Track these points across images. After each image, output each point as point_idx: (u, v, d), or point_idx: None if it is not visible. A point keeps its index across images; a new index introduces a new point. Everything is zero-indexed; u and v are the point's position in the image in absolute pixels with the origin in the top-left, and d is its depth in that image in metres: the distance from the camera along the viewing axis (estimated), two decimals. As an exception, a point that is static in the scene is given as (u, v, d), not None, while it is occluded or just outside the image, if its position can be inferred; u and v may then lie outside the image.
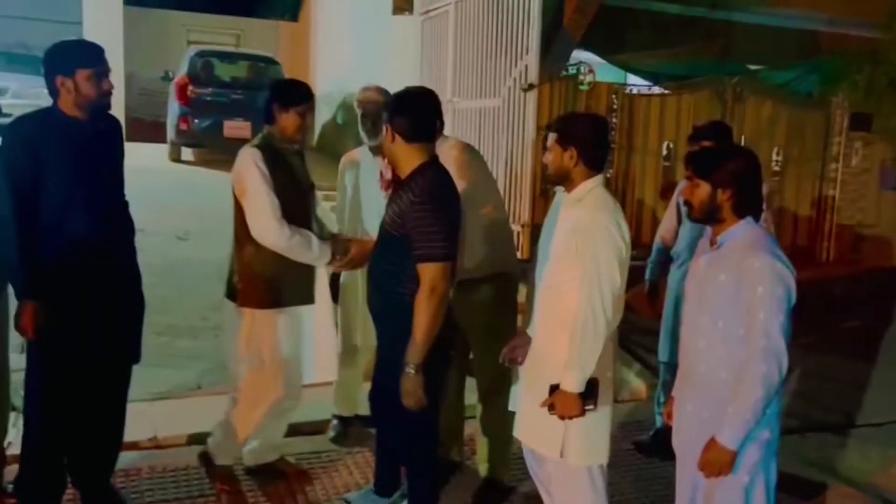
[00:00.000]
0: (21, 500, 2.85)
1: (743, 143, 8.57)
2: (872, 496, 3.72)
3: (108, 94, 2.79)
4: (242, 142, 5.55)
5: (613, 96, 8.32)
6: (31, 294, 2.66)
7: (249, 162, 3.01)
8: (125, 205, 2.98)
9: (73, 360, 2.74)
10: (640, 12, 11.87)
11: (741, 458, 2.26)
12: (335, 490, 3.36)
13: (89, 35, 12.10)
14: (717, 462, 2.24)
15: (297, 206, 3.07)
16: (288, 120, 3.09)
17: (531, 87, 5.21)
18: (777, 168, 8.82)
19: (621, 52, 12.47)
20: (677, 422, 2.47)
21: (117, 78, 11.63)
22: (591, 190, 2.57)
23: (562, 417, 2.48)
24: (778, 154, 8.81)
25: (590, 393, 2.48)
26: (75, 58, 2.73)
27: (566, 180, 2.60)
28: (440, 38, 6.64)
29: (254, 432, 3.22)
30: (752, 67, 12.56)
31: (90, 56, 2.75)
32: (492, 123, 5.70)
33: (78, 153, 2.73)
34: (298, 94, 3.15)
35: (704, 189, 2.32)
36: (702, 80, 8.93)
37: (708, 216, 2.34)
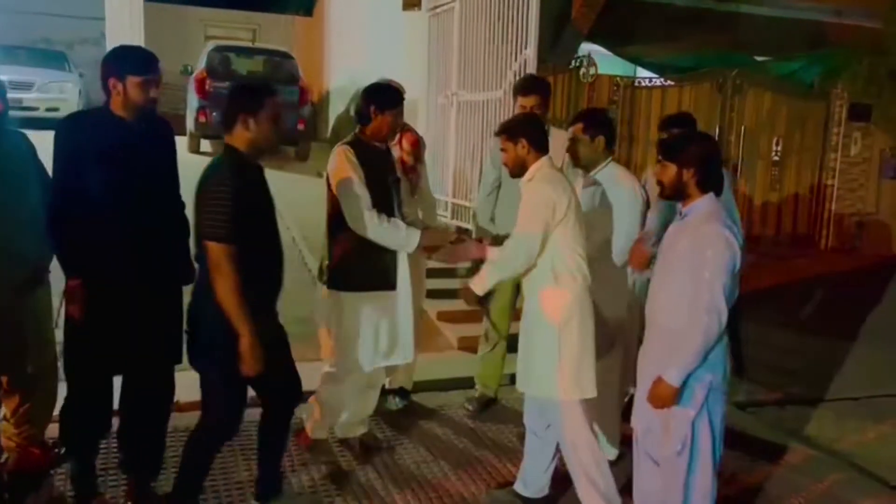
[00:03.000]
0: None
1: (743, 134, 8.82)
2: (842, 461, 3.97)
3: (154, 101, 2.90)
4: None
5: (615, 88, 8.59)
6: (73, 275, 2.84)
7: (343, 158, 3.26)
8: (178, 203, 3.11)
9: (106, 354, 2.88)
10: (648, 5, 11.98)
11: (688, 395, 2.58)
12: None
13: (111, 30, 12.37)
14: (662, 396, 2.59)
15: (384, 197, 3.32)
16: (384, 122, 3.35)
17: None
18: (776, 158, 9.04)
19: (630, 45, 12.63)
20: (640, 362, 2.79)
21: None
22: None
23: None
24: (777, 144, 9.03)
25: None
26: (128, 64, 2.86)
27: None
28: (446, 33, 6.91)
29: (342, 406, 3.55)
30: (759, 59, 12.70)
31: (142, 64, 2.87)
32: (494, 115, 5.96)
33: (124, 151, 2.84)
34: (394, 99, 3.40)
35: (672, 169, 2.64)
36: (702, 73, 9.16)
37: (676, 193, 2.67)
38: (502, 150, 3.11)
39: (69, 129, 2.91)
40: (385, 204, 3.34)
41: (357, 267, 3.34)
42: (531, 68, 5.53)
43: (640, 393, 2.75)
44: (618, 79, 8.91)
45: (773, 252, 8.71)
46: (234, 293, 2.64)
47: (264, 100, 2.81)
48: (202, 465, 2.93)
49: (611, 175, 3.43)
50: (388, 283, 3.41)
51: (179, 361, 3.09)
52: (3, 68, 10.91)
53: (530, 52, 5.58)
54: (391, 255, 3.40)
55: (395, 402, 4.20)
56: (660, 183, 2.71)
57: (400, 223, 3.33)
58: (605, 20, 11.15)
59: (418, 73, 7.43)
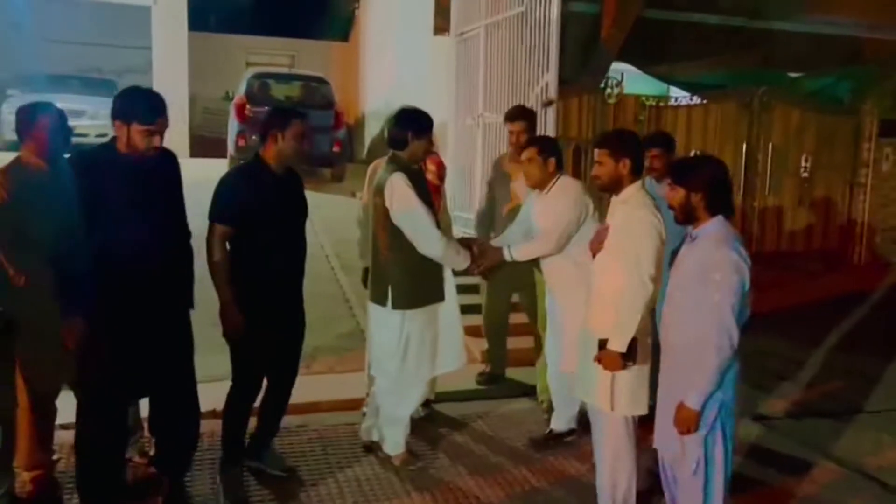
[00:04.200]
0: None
1: (770, 151, 8.87)
2: (859, 474, 4.01)
3: (155, 149, 2.96)
4: None
5: (640, 108, 8.73)
6: (76, 310, 2.90)
7: (402, 185, 3.46)
8: (184, 233, 3.21)
9: (121, 379, 2.99)
10: (679, 24, 12.05)
11: (702, 415, 2.71)
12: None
13: (158, 58, 13.06)
14: (686, 420, 2.71)
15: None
16: (420, 146, 3.58)
17: (550, 102, 5.68)
18: (805, 174, 9.06)
19: (661, 64, 12.70)
20: (661, 385, 2.94)
21: (182, 98, 12.64)
22: (635, 193, 3.12)
23: (607, 369, 3.00)
24: (807, 161, 9.04)
25: (630, 353, 2.99)
26: (135, 111, 2.90)
27: (620, 187, 3.13)
28: (472, 58, 7.17)
29: (407, 416, 3.78)
30: (793, 75, 12.68)
31: (148, 114, 2.91)
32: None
33: (128, 185, 2.92)
34: (429, 125, 3.63)
35: (681, 193, 2.78)
36: (728, 91, 9.23)
37: (687, 216, 2.79)
38: (598, 162, 3.16)
39: (76, 167, 3.02)
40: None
41: (418, 285, 3.60)
42: (552, 91, 5.75)
43: (661, 417, 2.89)
44: (643, 99, 9.03)
45: (803, 268, 8.71)
46: (215, 265, 3.20)
47: (291, 120, 3.30)
48: (237, 424, 3.47)
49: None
50: (441, 295, 3.70)
51: (192, 380, 3.28)
52: (58, 97, 11.54)
53: (551, 77, 5.79)
54: (441, 269, 3.68)
55: (418, 412, 4.39)
56: (671, 207, 2.83)
57: (454, 242, 3.61)
58: (636, 39, 11.25)
59: (447, 96, 7.70)
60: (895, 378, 5.57)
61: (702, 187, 2.72)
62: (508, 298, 4.87)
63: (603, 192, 3.26)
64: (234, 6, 14.71)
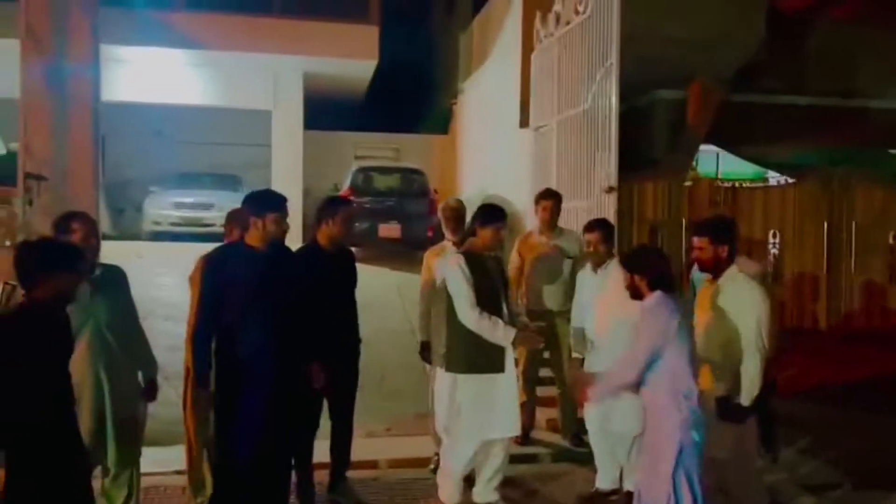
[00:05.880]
0: None
1: (854, 230, 8.89)
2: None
3: (285, 232, 3.69)
4: (394, 241, 7.46)
5: (715, 190, 9.01)
6: (206, 380, 3.58)
7: (454, 264, 4.02)
8: (299, 317, 3.75)
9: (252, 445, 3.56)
10: (768, 106, 12.28)
11: (666, 454, 3.24)
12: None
13: (276, 154, 14.52)
14: (580, 384, 3.78)
15: (489, 298, 4.03)
16: (487, 235, 4.07)
17: (612, 189, 6.19)
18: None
19: (751, 145, 12.83)
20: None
21: (297, 190, 13.88)
22: (737, 272, 3.75)
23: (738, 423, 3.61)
24: (893, 239, 8.99)
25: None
26: (267, 204, 3.61)
27: (719, 269, 3.75)
28: (547, 149, 7.83)
29: (460, 473, 4.16)
30: (894, 151, 12.52)
31: (277, 203, 3.64)
32: (583, 221, 6.68)
33: (258, 278, 3.54)
34: (494, 216, 4.11)
35: (628, 277, 3.51)
36: (806, 172, 9.36)
37: (634, 294, 3.50)
38: (699, 248, 3.77)
39: (214, 262, 3.69)
40: (491, 303, 4.02)
41: (471, 352, 4.03)
42: (613, 179, 6.27)
43: (642, 458, 3.40)
44: (719, 181, 9.31)
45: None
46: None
47: (339, 208, 4.20)
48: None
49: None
50: (499, 366, 4.08)
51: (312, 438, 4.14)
52: (189, 192, 13.08)
53: (612, 166, 6.31)
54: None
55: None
56: (627, 288, 3.54)
57: (499, 321, 3.98)
58: (724, 122, 11.56)
59: (526, 184, 8.34)
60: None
61: (643, 272, 3.43)
62: (541, 355, 5.41)
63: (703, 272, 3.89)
64: (345, 107, 16.16)
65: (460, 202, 4.99)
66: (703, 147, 12.51)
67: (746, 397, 3.54)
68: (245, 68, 13.36)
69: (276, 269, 3.68)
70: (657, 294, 3.42)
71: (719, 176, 13.69)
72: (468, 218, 4.47)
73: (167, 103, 13.62)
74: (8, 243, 5.40)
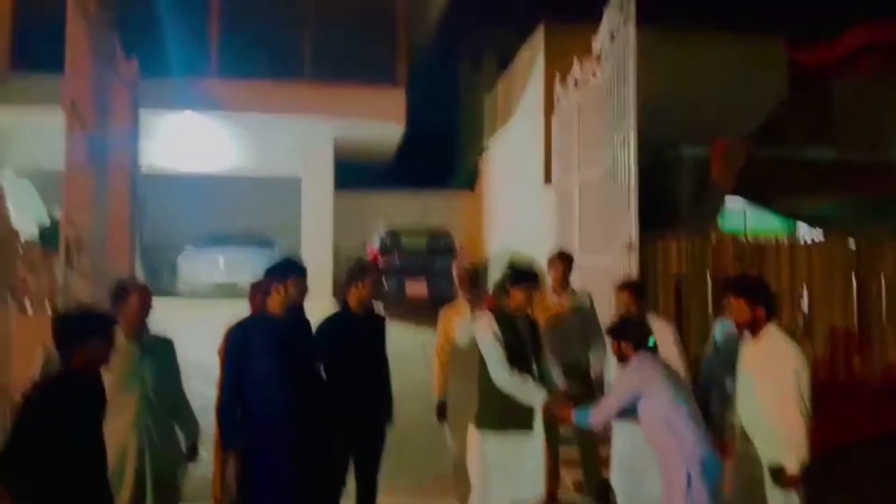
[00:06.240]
0: None
1: (883, 286, 8.77)
2: None
3: (304, 296, 4.00)
4: (421, 298, 7.57)
5: (742, 246, 8.98)
6: (230, 446, 3.85)
7: (486, 324, 4.09)
8: (318, 381, 4.12)
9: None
10: (794, 161, 12.27)
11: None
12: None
13: (306, 217, 14.85)
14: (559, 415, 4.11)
15: (519, 357, 4.06)
16: (517, 295, 4.12)
17: (632, 247, 6.28)
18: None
19: (779, 199, 12.78)
20: None
21: (327, 250, 14.18)
22: (776, 330, 3.87)
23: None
24: (923, 292, 8.84)
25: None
26: (291, 271, 3.98)
27: (757, 328, 3.84)
28: (570, 207, 7.96)
29: None
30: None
31: (298, 270, 4.01)
32: (605, 277, 6.76)
33: (279, 345, 3.79)
34: (526, 277, 4.20)
35: (615, 344, 3.92)
36: (829, 230, 9.30)
37: (620, 357, 3.91)
38: (736, 308, 3.87)
39: (238, 333, 3.96)
40: (521, 362, 4.05)
41: (499, 410, 4.05)
42: (633, 237, 6.35)
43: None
44: (743, 238, 9.30)
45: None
46: None
47: (367, 272, 4.39)
48: None
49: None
50: (527, 424, 4.12)
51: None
52: (223, 250, 13.37)
53: (632, 225, 6.40)
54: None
55: None
56: (614, 353, 3.92)
57: (529, 380, 4.02)
58: (750, 177, 11.58)
59: (550, 241, 8.46)
60: None
61: (629, 338, 3.84)
62: None
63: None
64: (372, 170, 16.56)
65: (474, 265, 5.18)
66: (729, 204, 12.51)
67: (796, 464, 3.59)
68: (276, 135, 13.83)
69: (295, 335, 3.97)
70: (640, 354, 3.83)
71: (746, 232, 13.63)
72: (496, 274, 4.64)
73: (203, 173, 14.23)
74: (48, 307, 5.61)
